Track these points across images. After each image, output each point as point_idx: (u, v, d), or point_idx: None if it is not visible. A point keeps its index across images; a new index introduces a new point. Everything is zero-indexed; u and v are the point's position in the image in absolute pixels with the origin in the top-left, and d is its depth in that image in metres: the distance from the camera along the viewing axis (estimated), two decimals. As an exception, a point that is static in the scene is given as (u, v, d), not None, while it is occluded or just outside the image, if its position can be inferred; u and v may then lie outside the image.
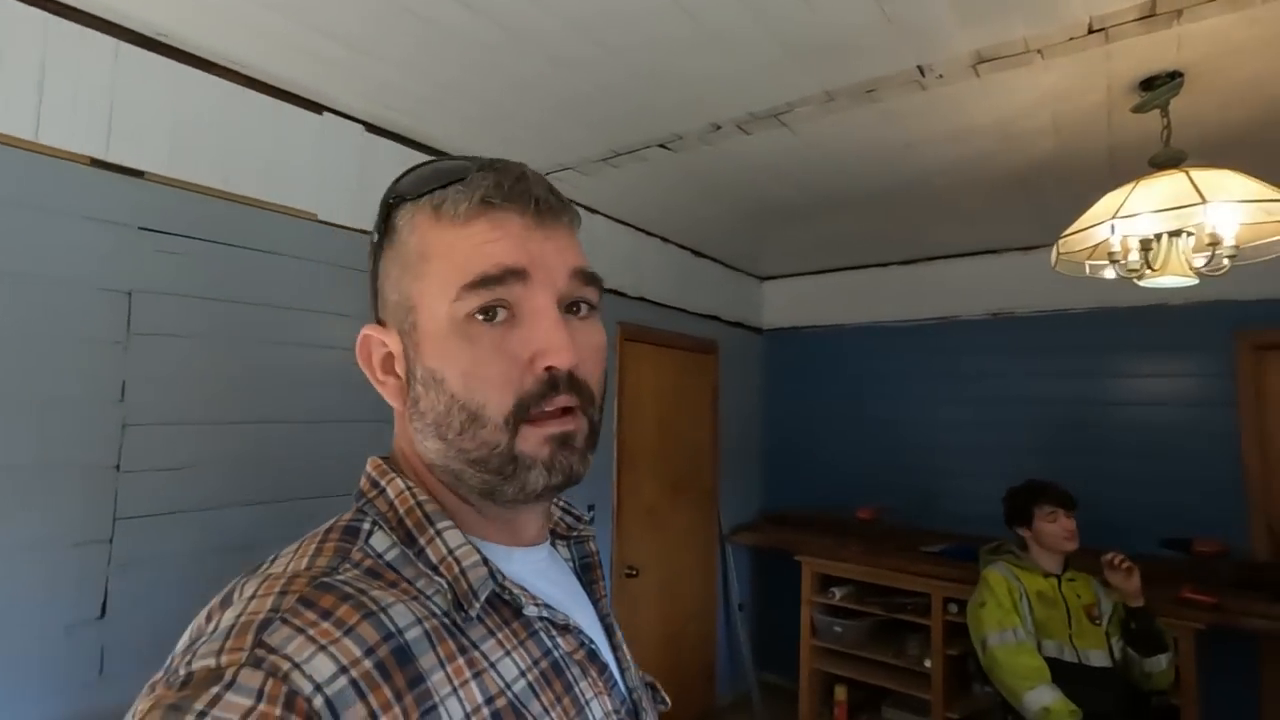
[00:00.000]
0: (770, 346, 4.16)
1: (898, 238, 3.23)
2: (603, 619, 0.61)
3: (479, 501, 0.51)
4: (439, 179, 0.50)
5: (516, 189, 0.49)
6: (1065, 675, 2.00)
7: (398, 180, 0.53)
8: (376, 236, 0.53)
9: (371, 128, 1.95)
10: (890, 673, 2.97)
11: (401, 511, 0.50)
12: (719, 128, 1.95)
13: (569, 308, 0.51)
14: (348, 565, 0.46)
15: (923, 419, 3.53)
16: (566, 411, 0.49)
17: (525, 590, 0.50)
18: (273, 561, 0.47)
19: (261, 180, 1.70)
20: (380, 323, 0.53)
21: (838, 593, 3.12)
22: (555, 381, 0.48)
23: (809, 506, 3.79)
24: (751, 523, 3.84)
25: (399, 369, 0.52)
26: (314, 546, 0.47)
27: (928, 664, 2.83)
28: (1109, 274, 1.90)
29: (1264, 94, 1.72)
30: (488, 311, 0.47)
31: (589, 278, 0.51)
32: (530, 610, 0.49)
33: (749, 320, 4.04)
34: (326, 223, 1.85)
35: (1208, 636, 2.32)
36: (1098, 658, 1.96)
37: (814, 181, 2.44)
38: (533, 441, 0.48)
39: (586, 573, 0.63)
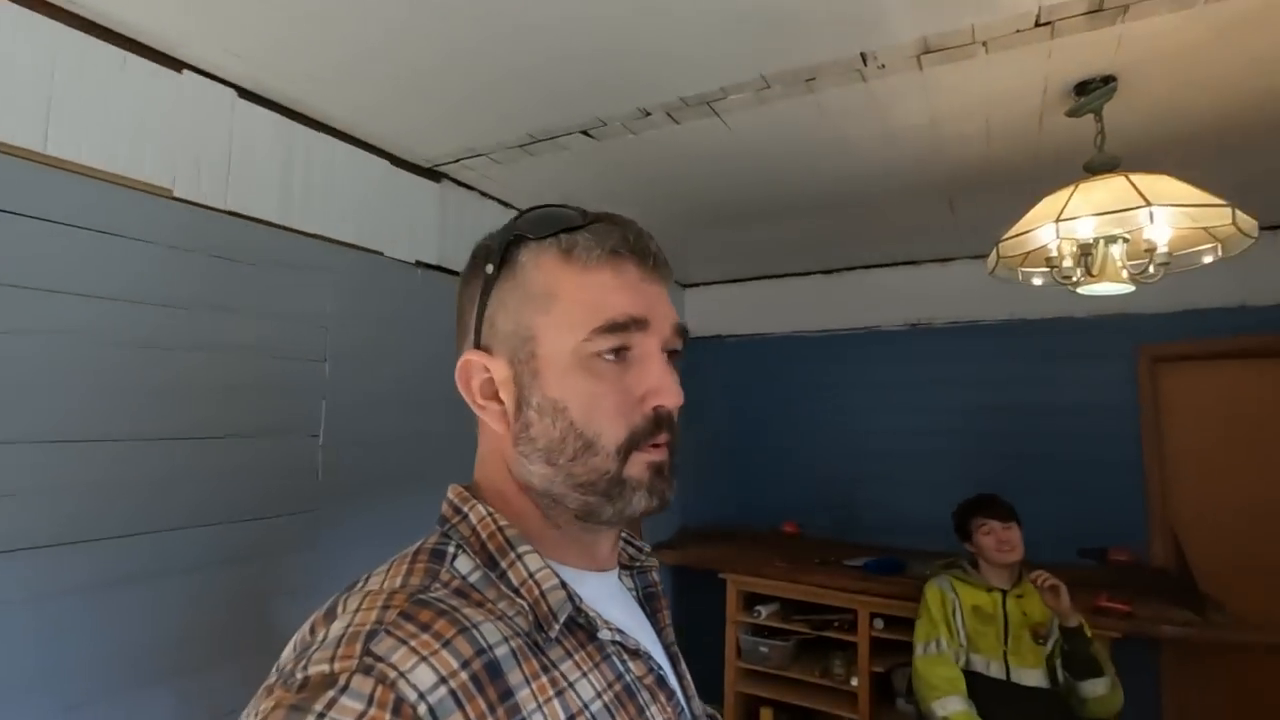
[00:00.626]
0: (691, 356, 4.04)
1: (822, 246, 3.18)
2: (667, 647, 0.63)
3: (567, 524, 0.55)
4: (560, 224, 0.54)
5: (639, 243, 0.55)
6: (989, 691, 1.96)
7: (516, 219, 0.56)
8: (491, 268, 0.56)
9: (246, 94, 1.67)
10: (816, 693, 2.87)
11: (484, 536, 0.53)
12: (648, 114, 1.79)
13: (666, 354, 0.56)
14: (437, 585, 0.48)
15: (846, 429, 3.50)
16: (663, 444, 0.54)
17: (599, 615, 0.52)
18: (366, 580, 0.50)
19: (97, 145, 1.39)
20: (482, 349, 0.56)
21: (763, 611, 3.01)
22: (660, 420, 0.54)
23: (733, 521, 3.68)
24: (672, 539, 3.69)
25: (504, 395, 0.55)
26: (405, 567, 0.50)
27: (854, 682, 2.75)
28: (1037, 281, 1.88)
29: (1193, 105, 1.73)
30: (616, 351, 0.53)
31: (683, 331, 0.58)
32: (604, 634, 0.52)
33: (671, 329, 3.90)
34: (186, 200, 1.55)
35: (1119, 644, 2.34)
36: (1031, 676, 1.91)
37: (744, 183, 2.33)
38: (638, 468, 0.53)
39: (650, 602, 0.66)
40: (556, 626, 0.49)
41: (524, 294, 0.54)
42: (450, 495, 0.57)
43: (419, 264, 2.17)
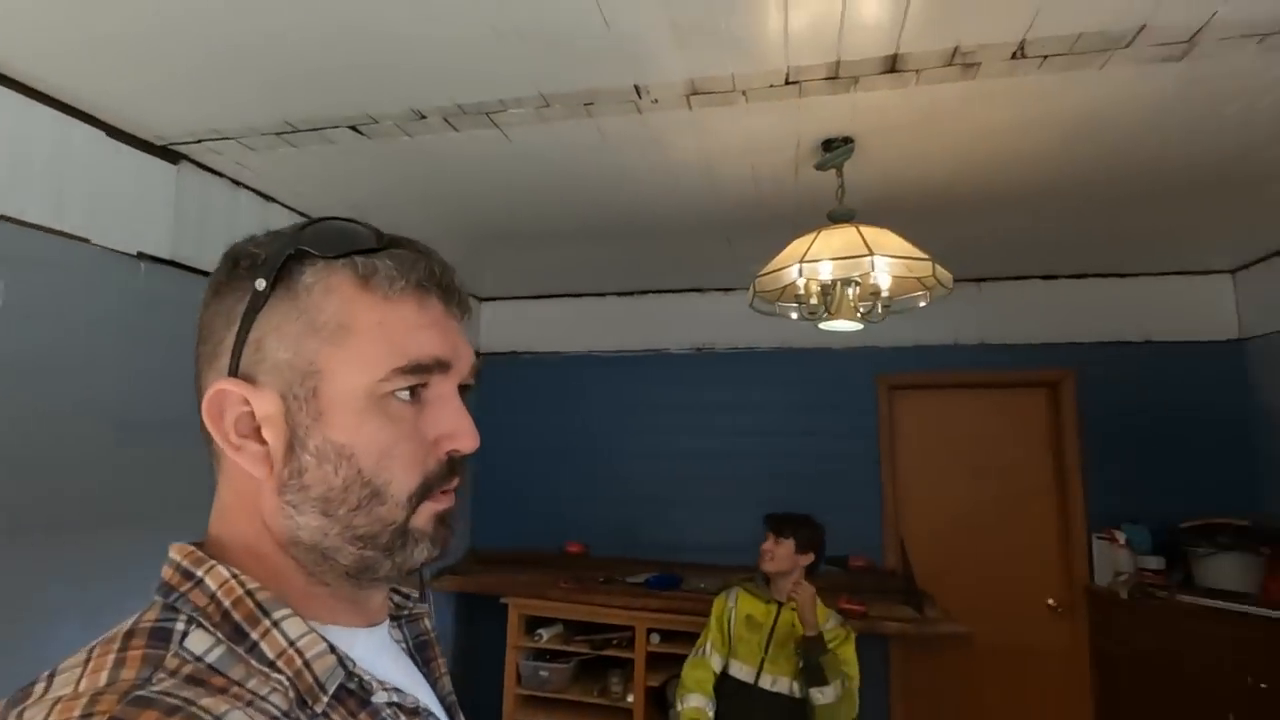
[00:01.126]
0: (486, 371, 3.91)
1: (616, 269, 3.26)
2: (444, 699, 0.59)
3: (336, 581, 0.49)
4: (354, 243, 0.48)
5: (444, 279, 0.51)
6: (734, 693, 2.11)
7: (300, 230, 0.49)
8: (263, 284, 0.47)
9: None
10: (594, 713, 2.88)
11: (227, 604, 0.44)
12: (423, 116, 1.69)
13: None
14: (162, 675, 0.38)
15: (635, 449, 3.59)
16: (452, 490, 0.52)
17: (374, 676, 0.47)
18: (51, 680, 0.38)
19: None
20: (241, 377, 0.47)
21: (545, 634, 2.96)
22: (454, 465, 0.51)
23: (522, 543, 3.60)
24: (457, 565, 3.52)
25: (268, 434, 0.47)
26: (111, 658, 0.39)
27: (630, 699, 2.79)
28: (793, 315, 2.06)
29: (914, 172, 2.01)
30: (412, 390, 0.48)
31: (478, 369, 0.54)
32: (379, 697, 0.47)
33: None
34: None
35: (859, 641, 2.62)
36: (781, 684, 2.05)
37: (531, 201, 2.30)
38: (424, 517, 0.49)
39: (422, 651, 0.61)
40: (324, 699, 0.43)
41: (309, 321, 0.47)
42: (175, 556, 0.46)
43: (142, 256, 1.85)
